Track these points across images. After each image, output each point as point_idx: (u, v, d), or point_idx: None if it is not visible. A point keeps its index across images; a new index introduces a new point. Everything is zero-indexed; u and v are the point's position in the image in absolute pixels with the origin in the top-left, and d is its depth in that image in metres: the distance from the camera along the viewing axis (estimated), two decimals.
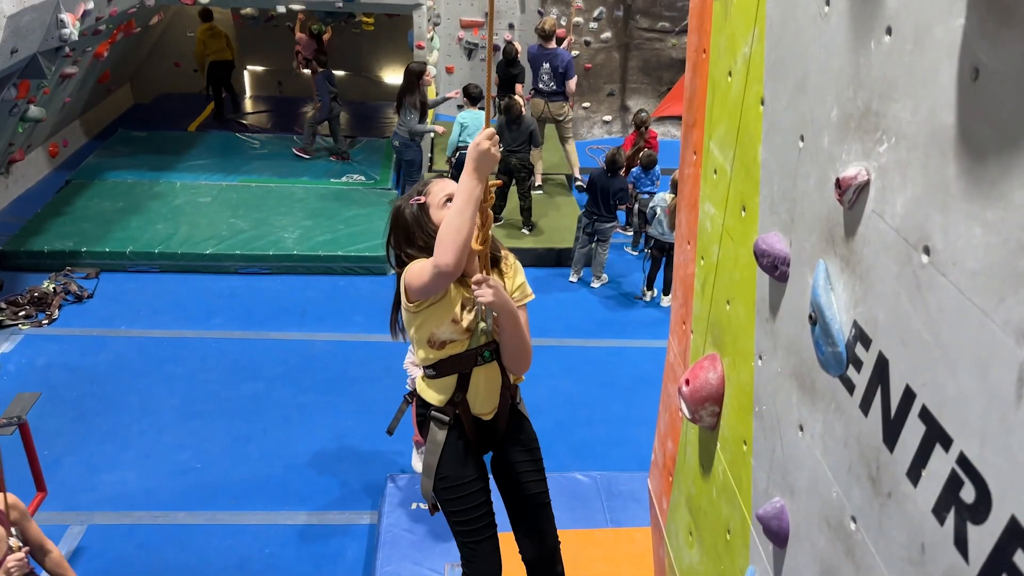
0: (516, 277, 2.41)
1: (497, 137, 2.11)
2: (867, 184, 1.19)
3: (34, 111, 7.23)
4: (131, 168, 8.88)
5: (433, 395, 2.40)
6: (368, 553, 4.32)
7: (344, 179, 9.09)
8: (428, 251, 2.18)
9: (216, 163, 9.26)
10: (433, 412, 2.41)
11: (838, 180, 1.23)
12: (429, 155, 9.27)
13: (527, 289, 2.44)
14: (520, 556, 2.53)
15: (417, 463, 4.58)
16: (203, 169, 9.06)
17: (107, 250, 7.13)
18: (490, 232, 2.20)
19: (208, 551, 4.30)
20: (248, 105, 12.13)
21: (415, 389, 4.15)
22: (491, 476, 2.57)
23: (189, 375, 5.80)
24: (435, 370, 2.35)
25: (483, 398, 2.38)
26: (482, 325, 2.28)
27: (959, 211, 0.98)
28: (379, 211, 8.31)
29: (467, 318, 2.27)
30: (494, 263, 2.32)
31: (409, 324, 2.37)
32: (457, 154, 7.99)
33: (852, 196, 1.22)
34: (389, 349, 6.28)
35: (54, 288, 6.57)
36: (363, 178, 9.16)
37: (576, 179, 9.44)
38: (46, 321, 6.29)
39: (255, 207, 8.16)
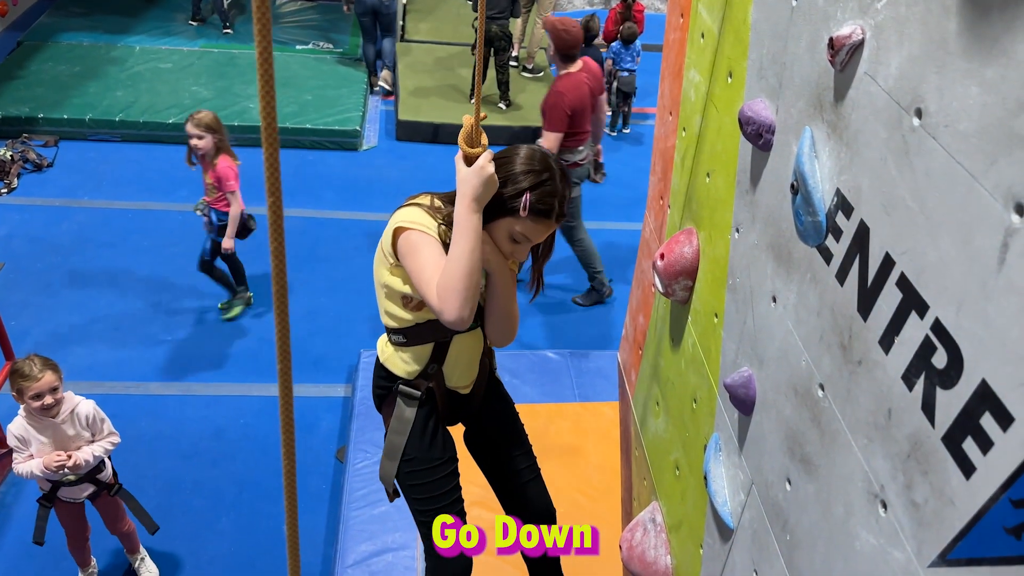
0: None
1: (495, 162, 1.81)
2: (861, 43, 1.13)
3: None
4: (86, 30, 8.40)
5: (402, 366, 2.03)
6: (343, 424, 4.41)
7: (311, 46, 8.70)
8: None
9: (176, 27, 8.79)
10: (401, 386, 2.05)
11: (831, 40, 1.17)
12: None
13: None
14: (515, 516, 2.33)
15: None
16: (162, 33, 8.61)
17: (65, 117, 6.84)
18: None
19: (183, 421, 4.36)
20: None
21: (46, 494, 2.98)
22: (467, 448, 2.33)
23: (156, 248, 5.70)
24: (405, 337, 1.97)
25: (462, 370, 2.05)
26: None
27: (956, 70, 0.94)
28: (348, 82, 8.00)
29: None
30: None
31: (381, 274, 1.96)
32: None
33: (845, 57, 1.16)
34: (360, 227, 6.22)
35: (11, 156, 6.32)
36: (331, 46, 8.77)
37: (524, 64, 8.79)
38: (5, 190, 6.09)
39: (218, 75, 7.82)
